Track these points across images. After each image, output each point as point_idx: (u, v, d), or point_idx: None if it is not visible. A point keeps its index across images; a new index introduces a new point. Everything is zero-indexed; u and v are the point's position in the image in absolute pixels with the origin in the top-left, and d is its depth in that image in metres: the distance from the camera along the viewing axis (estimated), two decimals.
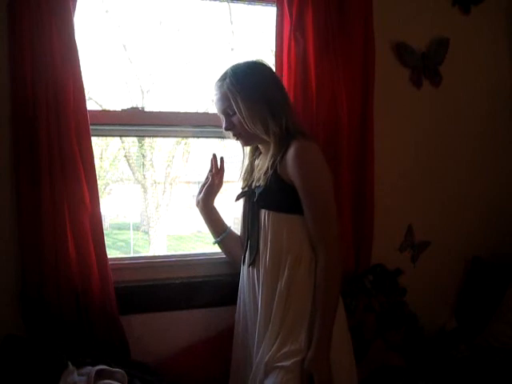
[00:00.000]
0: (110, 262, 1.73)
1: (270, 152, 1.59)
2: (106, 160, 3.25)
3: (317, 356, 1.46)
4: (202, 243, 3.32)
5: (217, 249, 1.90)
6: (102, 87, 2.86)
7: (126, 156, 3.24)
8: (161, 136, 2.51)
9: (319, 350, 1.46)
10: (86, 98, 1.70)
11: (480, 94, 2.30)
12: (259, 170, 1.66)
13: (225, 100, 1.59)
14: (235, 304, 1.75)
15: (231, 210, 2.08)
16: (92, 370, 1.43)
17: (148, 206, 3.55)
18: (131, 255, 2.98)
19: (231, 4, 2.25)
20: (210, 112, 1.94)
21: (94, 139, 1.72)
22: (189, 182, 3.65)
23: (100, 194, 1.72)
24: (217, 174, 1.86)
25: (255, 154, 1.75)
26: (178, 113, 2.04)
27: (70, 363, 1.43)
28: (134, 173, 3.36)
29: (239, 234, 1.83)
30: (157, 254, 2.57)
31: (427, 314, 2.13)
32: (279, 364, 1.48)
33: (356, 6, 1.94)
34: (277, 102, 1.58)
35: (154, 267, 1.92)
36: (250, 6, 2.15)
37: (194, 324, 1.89)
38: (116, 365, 1.51)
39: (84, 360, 1.50)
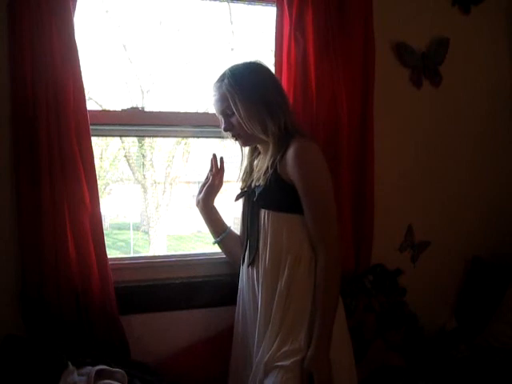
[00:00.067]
0: (110, 262, 1.73)
1: (270, 152, 1.59)
2: (106, 160, 3.26)
3: (317, 355, 1.46)
4: (202, 243, 3.33)
5: (217, 249, 1.90)
6: (102, 87, 2.86)
7: (126, 156, 3.24)
8: (161, 136, 2.51)
9: (319, 349, 1.46)
10: (86, 98, 1.70)
11: (480, 94, 2.30)
12: (258, 170, 1.66)
13: (223, 101, 1.60)
14: (235, 304, 1.75)
15: (231, 209, 2.08)
16: (92, 370, 1.43)
17: (148, 206, 3.56)
18: (131, 255, 2.98)
19: (231, 4, 2.25)
20: (209, 112, 1.94)
21: (94, 139, 1.72)
22: (189, 182, 3.65)
23: (100, 194, 1.72)
24: (217, 173, 1.86)
25: (254, 154, 1.75)
26: (178, 113, 2.04)
27: (69, 363, 1.43)
28: (134, 173, 3.36)
29: (239, 233, 1.83)
30: (157, 254, 2.57)
31: (427, 313, 2.14)
32: (279, 363, 1.48)
33: (356, 6, 1.94)
34: (275, 102, 1.58)
35: (154, 267, 1.92)
36: (249, 5, 2.15)
37: (194, 324, 1.89)
38: (116, 365, 1.51)
39: (84, 360, 1.50)
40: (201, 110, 2.53)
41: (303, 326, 1.51)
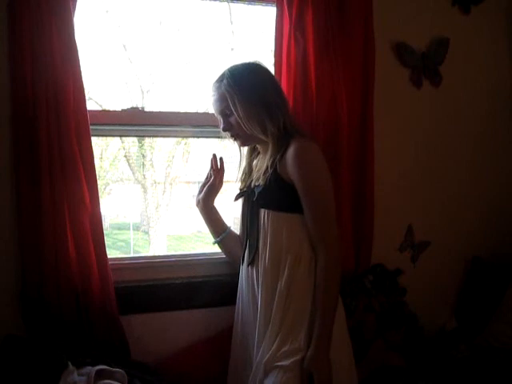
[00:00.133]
0: (110, 262, 1.73)
1: (269, 152, 1.59)
2: (106, 160, 3.26)
3: (316, 355, 1.46)
4: (202, 243, 3.33)
5: (217, 249, 1.90)
6: (102, 87, 2.86)
7: (126, 156, 3.24)
8: (161, 136, 2.51)
9: (319, 349, 1.46)
10: (86, 98, 1.70)
11: (480, 94, 2.30)
12: (258, 169, 1.66)
13: (222, 101, 1.60)
14: (235, 304, 1.75)
15: (231, 209, 2.08)
16: (92, 370, 1.43)
17: (148, 206, 3.56)
18: (131, 255, 2.98)
19: (231, 4, 2.25)
20: (209, 112, 1.94)
21: (94, 139, 1.72)
22: (189, 182, 3.65)
23: (100, 194, 1.72)
24: (217, 173, 1.86)
25: (253, 154, 1.75)
26: (178, 113, 2.04)
27: (70, 363, 1.43)
28: (134, 173, 3.36)
29: (239, 233, 1.83)
30: (157, 254, 2.56)
31: (427, 313, 2.14)
32: (279, 363, 1.48)
33: (356, 6, 1.93)
34: (274, 102, 1.58)
35: (154, 267, 1.92)
36: (249, 5, 2.15)
37: (194, 324, 1.89)
38: (116, 365, 1.51)
39: (84, 360, 1.50)
40: (201, 110, 2.53)
41: (303, 326, 1.51)
